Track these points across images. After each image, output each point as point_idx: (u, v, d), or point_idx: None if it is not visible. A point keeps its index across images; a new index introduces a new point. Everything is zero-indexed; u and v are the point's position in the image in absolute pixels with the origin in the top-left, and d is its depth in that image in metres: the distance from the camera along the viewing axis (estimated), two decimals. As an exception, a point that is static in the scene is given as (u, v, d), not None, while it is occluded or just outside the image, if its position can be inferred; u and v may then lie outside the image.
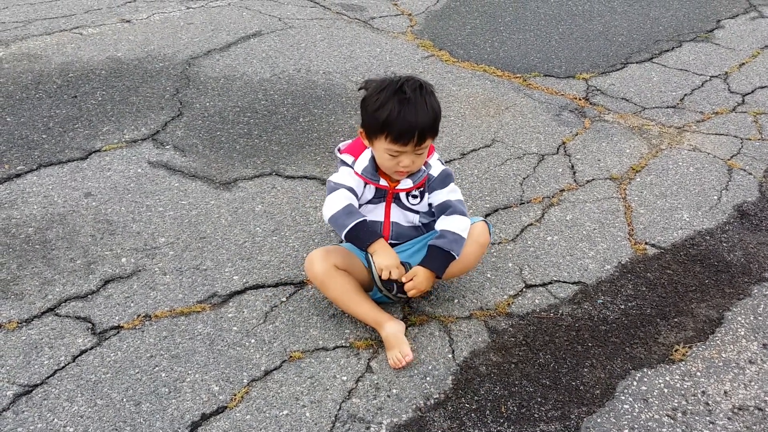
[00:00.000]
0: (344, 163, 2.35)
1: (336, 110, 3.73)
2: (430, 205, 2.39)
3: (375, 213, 2.38)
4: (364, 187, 2.34)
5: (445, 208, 2.34)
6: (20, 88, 3.74)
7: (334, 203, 2.27)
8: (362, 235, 2.24)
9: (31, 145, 3.26)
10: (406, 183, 2.32)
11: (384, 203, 2.37)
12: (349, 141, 2.42)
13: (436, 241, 2.29)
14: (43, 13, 4.74)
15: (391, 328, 2.26)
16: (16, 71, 3.92)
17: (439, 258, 2.28)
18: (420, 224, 2.43)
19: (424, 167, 2.32)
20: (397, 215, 2.39)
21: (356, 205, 2.30)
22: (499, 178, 3.22)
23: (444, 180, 2.35)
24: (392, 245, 2.42)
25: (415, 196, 2.36)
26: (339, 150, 2.40)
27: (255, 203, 2.96)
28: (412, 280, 2.25)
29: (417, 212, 2.40)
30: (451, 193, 2.35)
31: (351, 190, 2.30)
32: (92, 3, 4.96)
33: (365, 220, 2.26)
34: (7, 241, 2.67)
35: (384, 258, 2.23)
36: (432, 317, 2.43)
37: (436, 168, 2.35)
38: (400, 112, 2.12)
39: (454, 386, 2.16)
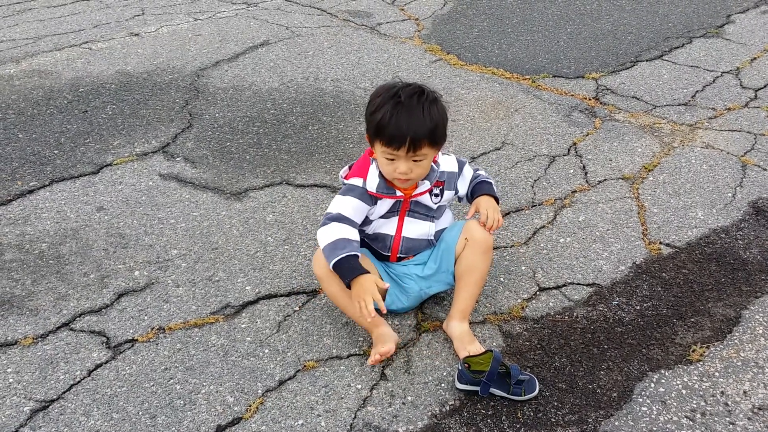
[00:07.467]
0: (351, 190, 2.28)
1: (345, 117, 3.73)
2: (461, 197, 2.49)
3: (387, 227, 2.37)
4: (375, 204, 2.31)
5: (474, 179, 2.46)
6: (31, 105, 3.78)
7: (324, 237, 2.22)
8: (343, 272, 2.16)
9: (43, 161, 3.28)
10: (424, 185, 2.30)
11: (397, 217, 2.36)
12: (347, 168, 2.36)
13: (473, 183, 2.45)
14: (52, 29, 4.78)
15: (385, 329, 2.27)
16: (26, 88, 3.95)
17: (485, 184, 2.43)
18: (432, 237, 2.42)
19: (435, 167, 2.31)
20: (410, 228, 2.38)
21: (349, 237, 2.21)
22: (510, 180, 3.20)
23: (465, 168, 2.44)
24: (402, 259, 2.43)
25: (436, 195, 2.36)
26: (344, 177, 2.34)
27: (266, 213, 2.96)
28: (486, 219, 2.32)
29: (434, 218, 2.39)
30: (469, 170, 2.47)
31: (343, 219, 2.25)
32: (101, 17, 5.00)
33: (348, 256, 2.16)
34: (21, 257, 2.69)
35: (356, 292, 2.14)
36: (446, 323, 2.42)
37: (447, 163, 2.38)
38: (392, 117, 2.11)
39: (470, 392, 2.15)
